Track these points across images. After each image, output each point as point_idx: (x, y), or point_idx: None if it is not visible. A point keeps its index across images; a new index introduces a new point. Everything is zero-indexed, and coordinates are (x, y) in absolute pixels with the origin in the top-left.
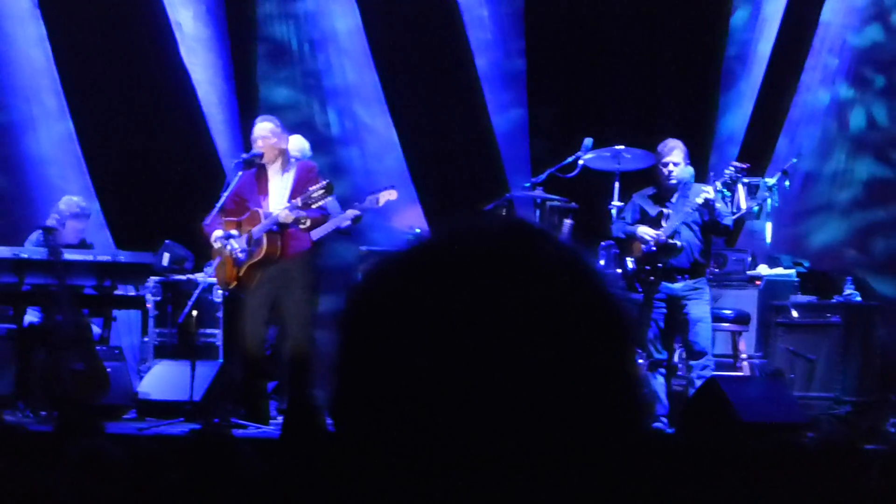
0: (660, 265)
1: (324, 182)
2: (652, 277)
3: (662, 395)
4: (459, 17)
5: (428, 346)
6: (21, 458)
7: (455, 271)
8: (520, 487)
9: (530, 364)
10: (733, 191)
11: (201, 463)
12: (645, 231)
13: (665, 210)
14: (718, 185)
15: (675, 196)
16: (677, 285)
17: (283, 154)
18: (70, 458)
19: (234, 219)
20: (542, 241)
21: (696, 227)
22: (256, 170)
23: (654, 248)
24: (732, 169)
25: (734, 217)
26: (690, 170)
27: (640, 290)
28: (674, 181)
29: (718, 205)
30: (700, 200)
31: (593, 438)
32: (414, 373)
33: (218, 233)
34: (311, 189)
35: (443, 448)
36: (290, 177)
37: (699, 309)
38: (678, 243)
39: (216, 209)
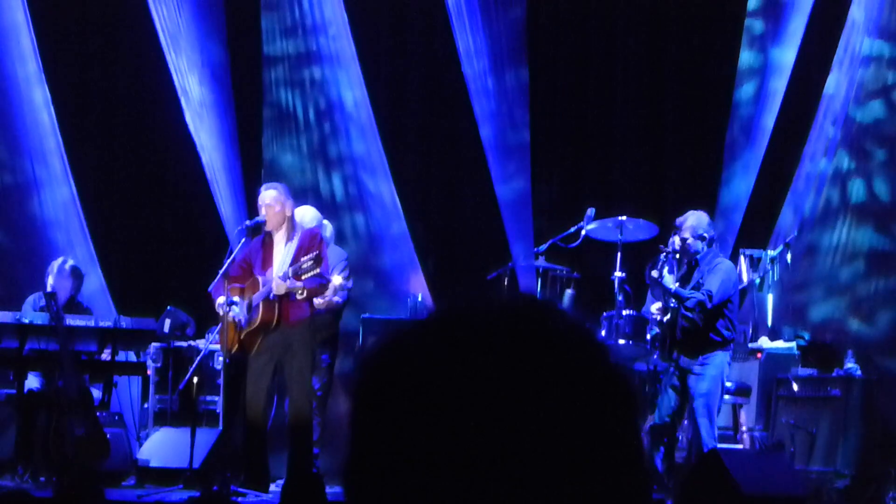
0: (664, 340)
1: (314, 253)
2: (662, 345)
3: (660, 465)
4: (465, 86)
5: (439, 418)
6: None
7: (465, 343)
8: None
9: (539, 435)
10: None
11: None
12: (651, 310)
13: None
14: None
15: (695, 271)
16: (687, 357)
17: (289, 221)
18: None
19: (239, 285)
20: (550, 314)
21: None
22: (263, 236)
23: (665, 322)
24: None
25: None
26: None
27: (657, 355)
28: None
29: (670, 293)
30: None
31: None
32: (426, 444)
33: (221, 299)
34: (301, 260)
35: None
36: (293, 245)
37: (702, 385)
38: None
39: (220, 275)
